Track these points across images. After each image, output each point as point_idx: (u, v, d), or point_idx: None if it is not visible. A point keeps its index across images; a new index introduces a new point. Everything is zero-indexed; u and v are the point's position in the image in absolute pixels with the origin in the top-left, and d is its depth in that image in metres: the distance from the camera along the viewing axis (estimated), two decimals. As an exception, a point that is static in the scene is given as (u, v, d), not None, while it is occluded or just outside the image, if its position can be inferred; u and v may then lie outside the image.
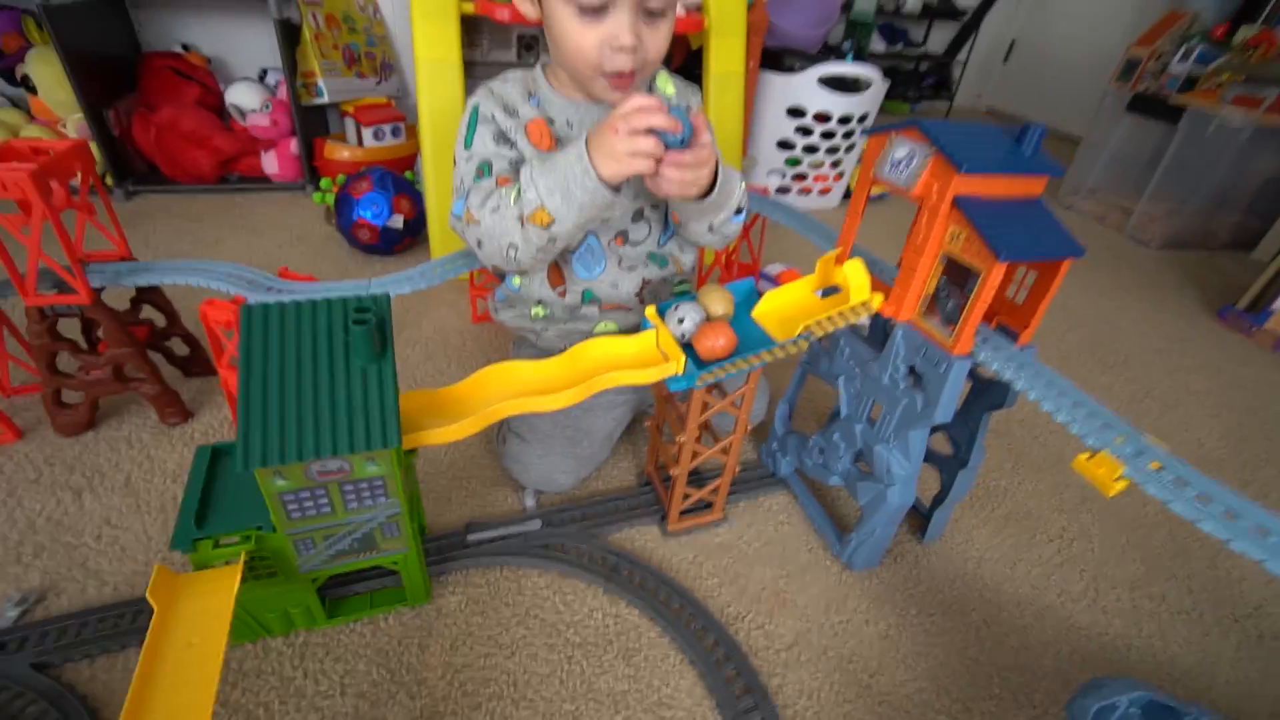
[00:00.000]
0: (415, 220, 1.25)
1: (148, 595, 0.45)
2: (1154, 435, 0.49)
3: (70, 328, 0.80)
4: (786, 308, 0.65)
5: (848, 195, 1.82)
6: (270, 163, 1.54)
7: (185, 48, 1.59)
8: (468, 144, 0.64)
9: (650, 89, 0.70)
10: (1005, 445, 0.94)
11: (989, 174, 0.53)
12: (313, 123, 1.58)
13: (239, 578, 0.48)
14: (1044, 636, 0.67)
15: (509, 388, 0.59)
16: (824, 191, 1.73)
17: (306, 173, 1.55)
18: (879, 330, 0.66)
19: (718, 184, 0.60)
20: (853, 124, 1.59)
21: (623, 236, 0.71)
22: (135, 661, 0.53)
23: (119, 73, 1.48)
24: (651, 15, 0.58)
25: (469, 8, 1.10)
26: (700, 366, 0.58)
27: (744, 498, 0.79)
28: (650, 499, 0.77)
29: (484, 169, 0.62)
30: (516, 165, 0.63)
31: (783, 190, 1.69)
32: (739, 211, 0.69)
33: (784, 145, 1.60)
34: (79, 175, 0.72)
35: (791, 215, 0.92)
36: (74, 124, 1.40)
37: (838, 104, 1.53)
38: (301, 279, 0.80)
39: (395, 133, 1.58)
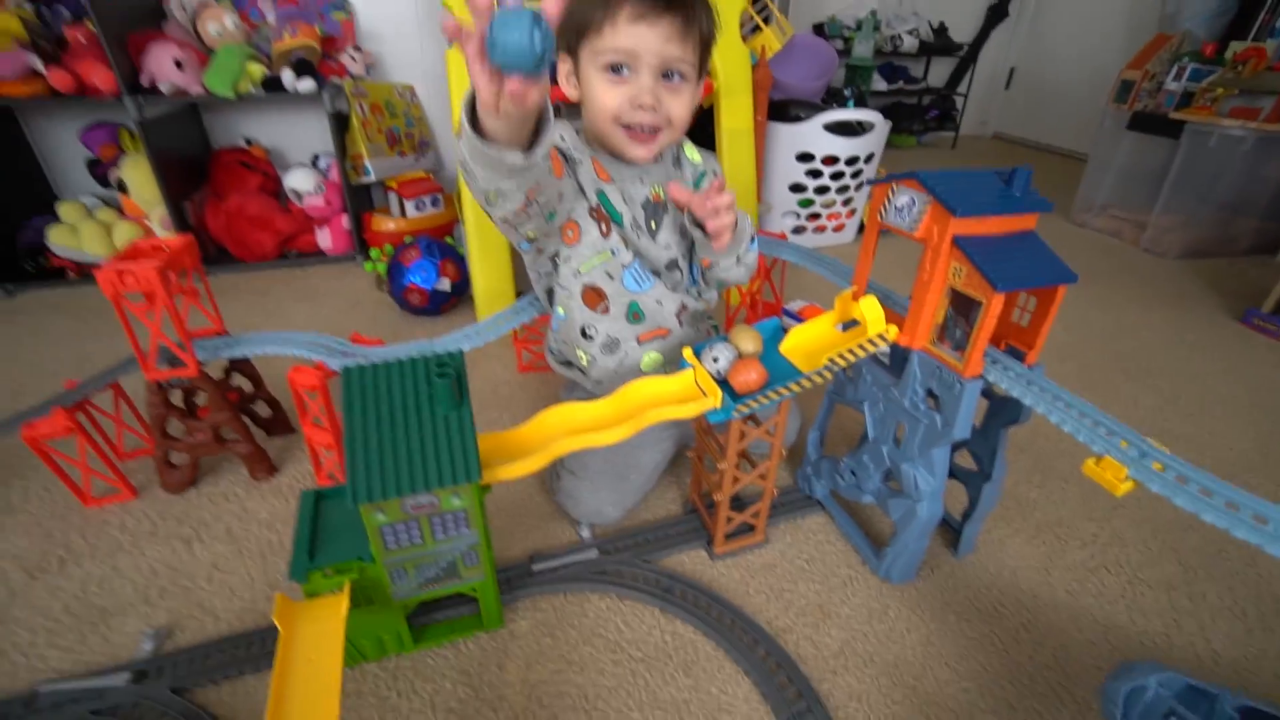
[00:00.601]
0: (460, 282, 1.37)
1: (274, 619, 0.52)
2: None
3: (174, 396, 0.91)
4: (810, 342, 0.72)
5: (861, 229, 1.90)
6: (324, 238, 1.69)
7: (248, 141, 1.77)
8: None
9: (678, 158, 0.80)
10: (1032, 458, 0.98)
11: (982, 216, 0.60)
12: (360, 199, 1.73)
13: (347, 603, 0.56)
14: (1083, 638, 0.70)
15: (567, 427, 0.67)
16: (838, 228, 1.82)
17: (357, 244, 1.69)
18: (897, 357, 0.72)
19: (737, 222, 0.71)
20: (860, 164, 1.68)
21: (658, 274, 0.79)
22: (255, 685, 0.62)
23: (194, 169, 1.66)
24: (671, 79, 0.68)
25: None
26: (736, 400, 0.65)
27: (783, 520, 0.85)
28: (696, 525, 0.83)
29: None
30: (563, 162, 0.68)
31: (798, 230, 1.78)
32: (752, 240, 0.79)
33: (796, 188, 1.69)
34: (188, 267, 0.84)
35: (808, 257, 1.00)
36: (158, 217, 1.57)
37: (844, 147, 1.63)
38: (371, 343, 0.90)
39: (434, 203, 1.73)
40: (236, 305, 1.47)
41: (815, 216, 1.76)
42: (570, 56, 0.70)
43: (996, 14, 3.42)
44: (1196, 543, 0.83)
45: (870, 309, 0.67)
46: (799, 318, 1.28)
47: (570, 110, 0.79)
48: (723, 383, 0.67)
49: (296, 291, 1.54)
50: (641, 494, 0.84)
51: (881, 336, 0.67)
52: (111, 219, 1.59)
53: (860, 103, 1.73)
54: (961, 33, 3.34)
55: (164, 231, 1.58)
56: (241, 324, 1.38)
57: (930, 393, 0.68)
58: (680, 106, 0.70)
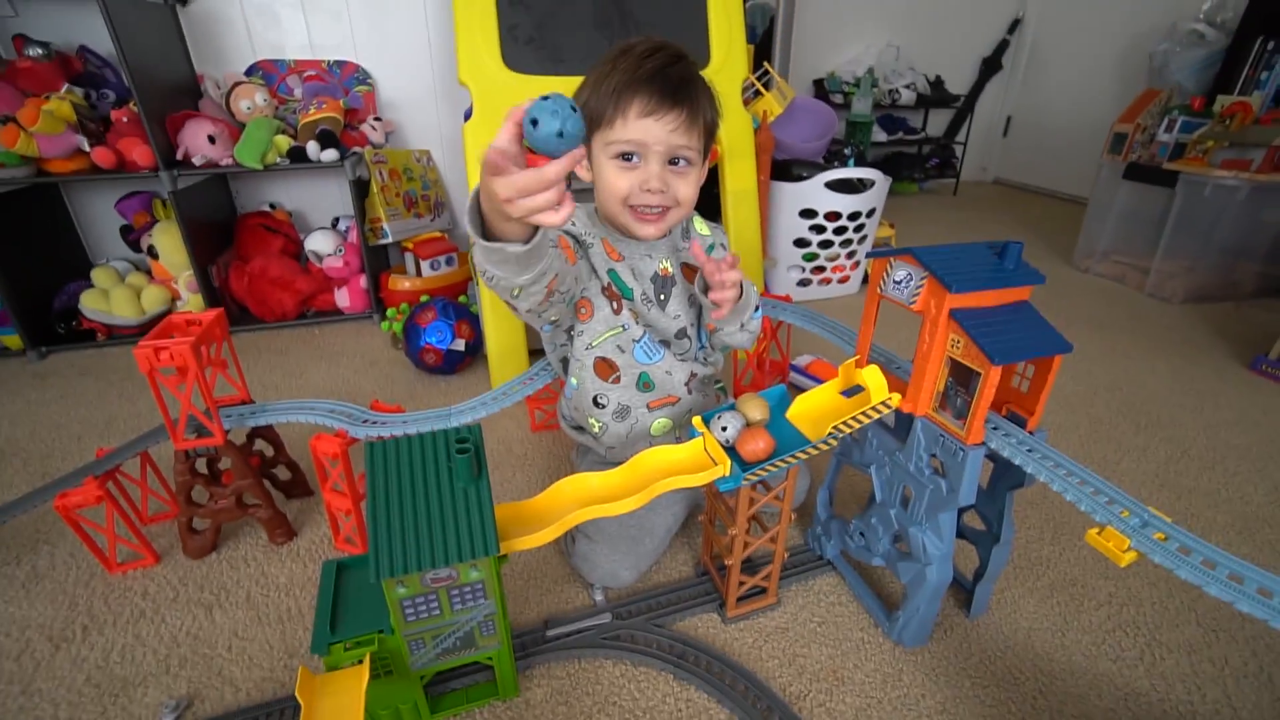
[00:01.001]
0: (474, 341, 1.41)
1: (296, 693, 0.54)
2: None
3: (199, 463, 0.94)
4: (816, 409, 0.74)
5: (865, 280, 1.94)
6: (342, 297, 1.75)
7: (272, 206, 1.85)
8: None
9: (686, 231, 0.85)
10: (1043, 514, 0.98)
11: (977, 290, 0.63)
12: (377, 259, 1.80)
13: (367, 675, 0.57)
14: (1103, 705, 0.69)
15: (581, 497, 0.68)
16: (843, 280, 1.86)
17: (374, 303, 1.75)
18: (902, 422, 0.74)
19: (743, 289, 0.74)
20: (862, 217, 1.73)
21: (667, 344, 0.83)
22: (276, 758, 0.62)
23: (220, 233, 1.74)
24: (678, 164, 0.73)
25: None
26: (745, 468, 0.67)
27: (795, 581, 0.85)
28: (708, 588, 0.83)
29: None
30: (575, 248, 0.75)
31: (804, 282, 1.82)
32: (756, 309, 0.82)
33: (800, 243, 1.74)
34: (217, 339, 0.88)
35: (812, 320, 1.03)
36: (185, 280, 1.64)
37: (845, 203, 1.68)
38: (390, 410, 0.93)
39: (449, 262, 1.79)
40: (259, 365, 1.51)
41: (820, 269, 1.80)
42: (584, 143, 0.75)
43: (990, 67, 3.55)
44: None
45: (873, 377, 0.69)
46: (806, 372, 1.31)
47: (581, 195, 0.84)
48: (731, 450, 0.69)
49: (315, 351, 1.59)
50: (655, 557, 0.85)
51: (885, 404, 0.70)
52: (141, 283, 1.66)
53: (860, 160, 1.79)
54: (957, 84, 3.46)
55: (189, 294, 1.64)
56: (262, 384, 1.42)
57: (935, 458, 0.69)
58: (687, 188, 0.74)
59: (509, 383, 0.92)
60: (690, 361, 0.84)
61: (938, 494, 0.68)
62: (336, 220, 1.88)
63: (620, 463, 0.71)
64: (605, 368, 0.80)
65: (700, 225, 0.86)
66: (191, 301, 1.65)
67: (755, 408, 0.72)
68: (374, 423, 0.87)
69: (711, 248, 0.85)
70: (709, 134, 0.74)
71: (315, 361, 1.53)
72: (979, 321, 0.62)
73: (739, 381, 1.23)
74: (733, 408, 0.72)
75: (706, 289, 0.73)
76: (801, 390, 1.30)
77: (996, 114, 3.71)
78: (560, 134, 0.44)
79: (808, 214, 1.69)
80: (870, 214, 1.74)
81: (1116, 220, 2.07)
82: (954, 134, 3.57)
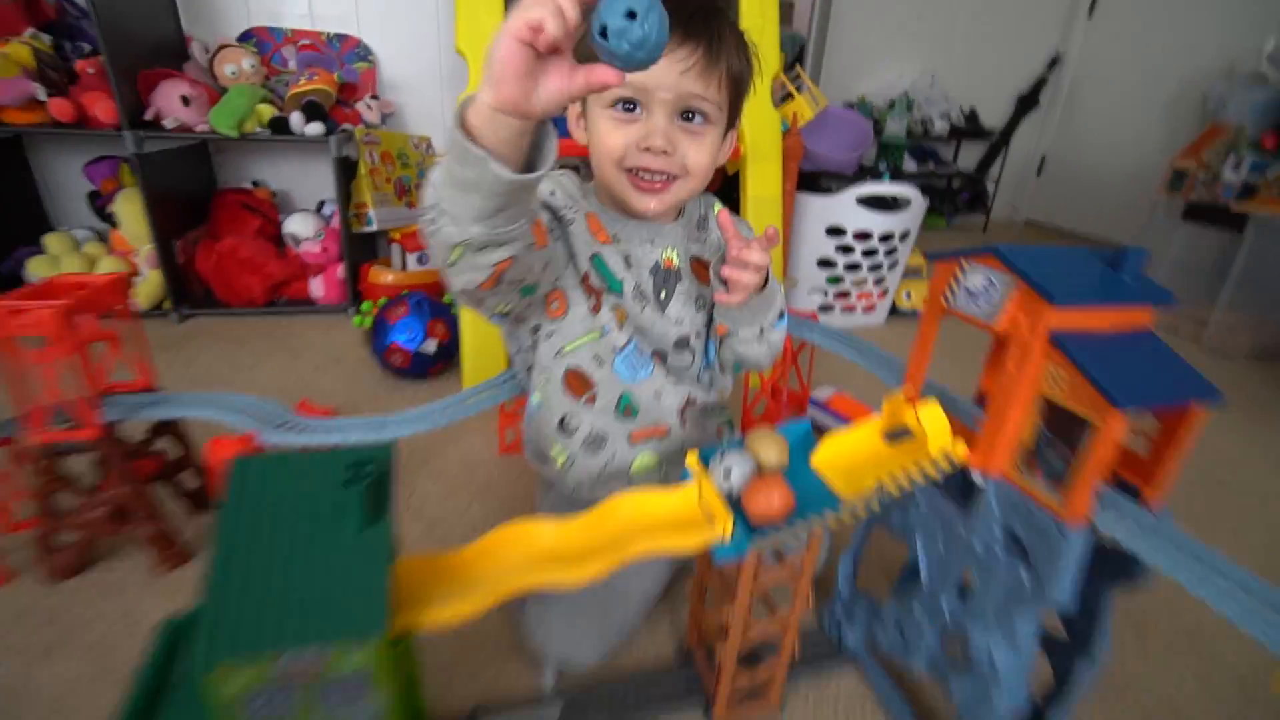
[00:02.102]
0: (449, 344, 1.24)
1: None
2: None
3: (70, 464, 0.77)
4: (850, 455, 0.56)
5: (894, 312, 1.76)
6: (317, 287, 1.59)
7: (255, 184, 1.71)
8: None
9: (704, 219, 0.67)
10: (1125, 613, 0.78)
11: (1088, 306, 0.45)
12: (362, 250, 1.65)
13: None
14: None
15: (526, 553, 0.50)
16: (868, 309, 1.68)
17: (350, 296, 1.59)
18: (965, 481, 0.56)
19: (768, 280, 0.58)
20: (894, 241, 1.56)
21: (660, 357, 0.65)
22: None
23: (194, 207, 1.59)
24: (690, 120, 0.56)
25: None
26: (752, 531, 0.48)
27: (804, 678, 0.66)
28: (691, 680, 0.64)
29: None
30: (550, 227, 0.58)
31: (825, 308, 1.64)
32: (781, 315, 0.64)
33: (825, 264, 1.57)
34: (114, 309, 0.71)
35: (843, 342, 0.85)
36: (145, 254, 1.49)
37: (877, 222, 1.51)
38: (320, 413, 0.76)
39: (439, 256, 1.63)
40: (208, 353, 1.35)
41: (844, 295, 1.63)
42: None
43: (1026, 103, 3.40)
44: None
45: (932, 419, 0.51)
46: (827, 408, 1.12)
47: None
48: (736, 504, 0.51)
49: (276, 343, 1.42)
50: (626, 631, 0.66)
51: (945, 454, 0.52)
52: (99, 253, 1.51)
53: (896, 177, 1.63)
54: (992, 118, 3.31)
55: (149, 270, 1.49)
56: (207, 373, 1.26)
57: (1014, 536, 0.50)
58: (700, 152, 0.57)
59: (468, 391, 0.75)
60: (689, 383, 0.66)
61: (1017, 587, 0.49)
62: (322, 204, 1.73)
63: (589, 505, 0.53)
64: (577, 383, 0.62)
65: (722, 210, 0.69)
66: (150, 278, 1.50)
67: (771, 448, 0.54)
68: (293, 427, 0.70)
69: None
70: (735, 89, 0.57)
71: (273, 355, 1.36)
72: (1092, 350, 0.44)
73: (749, 413, 1.04)
74: (740, 446, 0.54)
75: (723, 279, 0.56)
76: (824, 430, 1.11)
77: (1031, 152, 3.56)
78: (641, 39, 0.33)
79: (835, 231, 1.52)
80: (904, 236, 1.57)
81: (1171, 265, 1.89)
82: (986, 169, 3.41)
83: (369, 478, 0.43)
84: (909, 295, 1.75)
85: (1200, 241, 1.77)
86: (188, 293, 1.54)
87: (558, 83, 0.36)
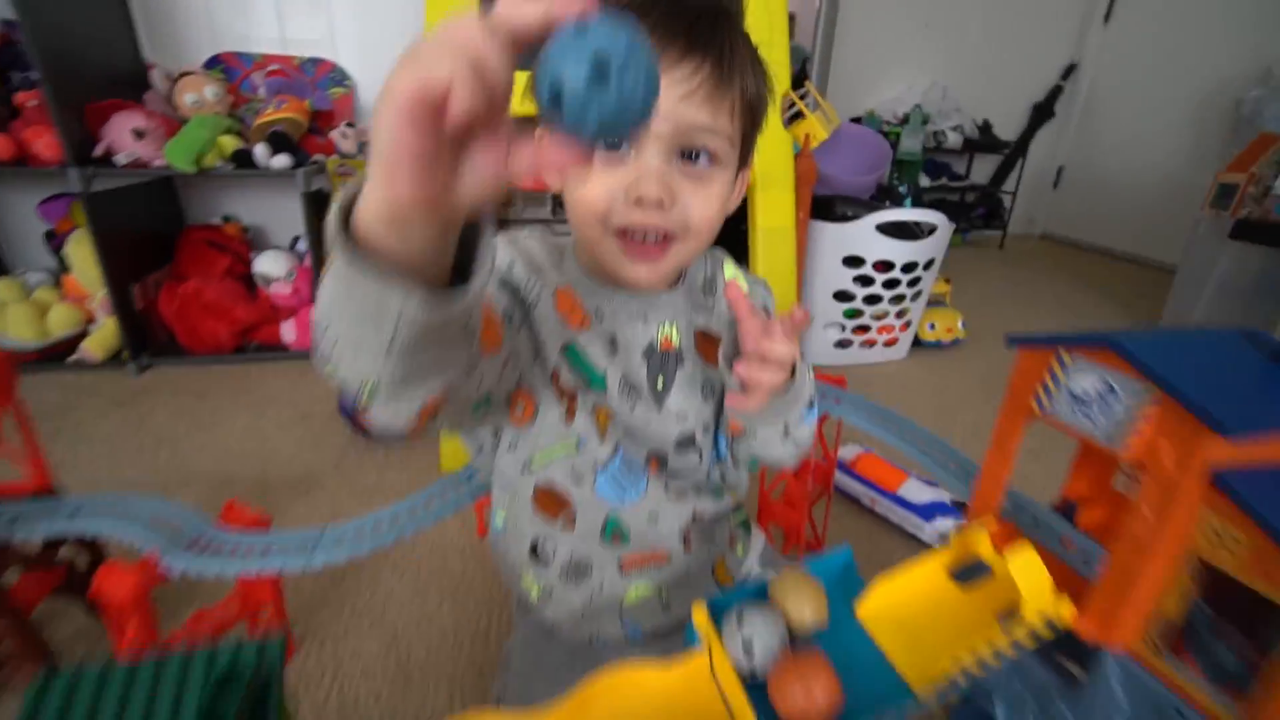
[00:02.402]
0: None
1: None
2: None
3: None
4: (908, 603, 0.42)
5: (916, 344, 1.62)
6: (289, 331, 1.47)
7: (226, 219, 1.60)
8: None
9: (711, 281, 0.54)
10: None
11: (1267, 435, 0.31)
12: (340, 287, 1.52)
13: None
14: None
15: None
16: (890, 343, 1.54)
17: (326, 339, 1.46)
18: (1070, 647, 0.42)
19: (795, 372, 0.43)
20: (918, 270, 1.42)
21: (659, 461, 0.51)
22: None
23: (157, 246, 1.48)
24: (694, 161, 0.41)
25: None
26: (786, 746, 0.34)
27: None
28: None
29: None
30: (512, 317, 0.45)
31: (843, 344, 1.50)
32: (810, 405, 0.49)
33: (842, 296, 1.43)
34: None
35: (881, 422, 0.70)
36: (100, 299, 1.37)
37: (899, 251, 1.38)
38: (249, 520, 0.62)
39: (422, 294, 1.51)
40: (165, 409, 1.23)
41: (864, 329, 1.49)
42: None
43: (1042, 113, 3.28)
44: None
45: (1028, 572, 0.37)
46: (852, 471, 0.98)
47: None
48: (760, 690, 0.37)
49: (241, 396, 1.30)
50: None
51: (1044, 617, 0.38)
52: (51, 299, 1.39)
53: (918, 201, 1.50)
54: (1006, 130, 3.18)
55: (105, 317, 1.37)
56: (157, 435, 1.13)
57: (1152, 743, 0.36)
58: (705, 204, 0.43)
59: (422, 493, 0.61)
60: (693, 495, 0.52)
61: (1162, 822, 0.35)
62: (296, 240, 1.62)
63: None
64: (551, 502, 0.49)
65: (734, 271, 0.56)
66: (106, 326, 1.38)
67: (805, 600, 0.40)
68: (205, 548, 0.56)
69: None
70: (750, 117, 0.44)
71: (235, 411, 1.23)
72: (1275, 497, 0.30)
73: (766, 497, 0.88)
74: (762, 601, 0.40)
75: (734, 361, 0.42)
76: (848, 498, 0.95)
77: (1047, 163, 3.43)
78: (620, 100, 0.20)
79: (853, 261, 1.39)
80: (928, 265, 1.44)
81: (1217, 287, 1.74)
82: (1001, 182, 3.28)
83: (233, 708, 0.30)
84: (933, 326, 1.61)
85: (1250, 262, 1.62)
86: (149, 340, 1.42)
87: (489, 164, 0.23)
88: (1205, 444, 0.31)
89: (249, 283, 1.52)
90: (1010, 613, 0.40)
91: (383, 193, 0.22)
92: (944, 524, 0.85)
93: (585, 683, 0.39)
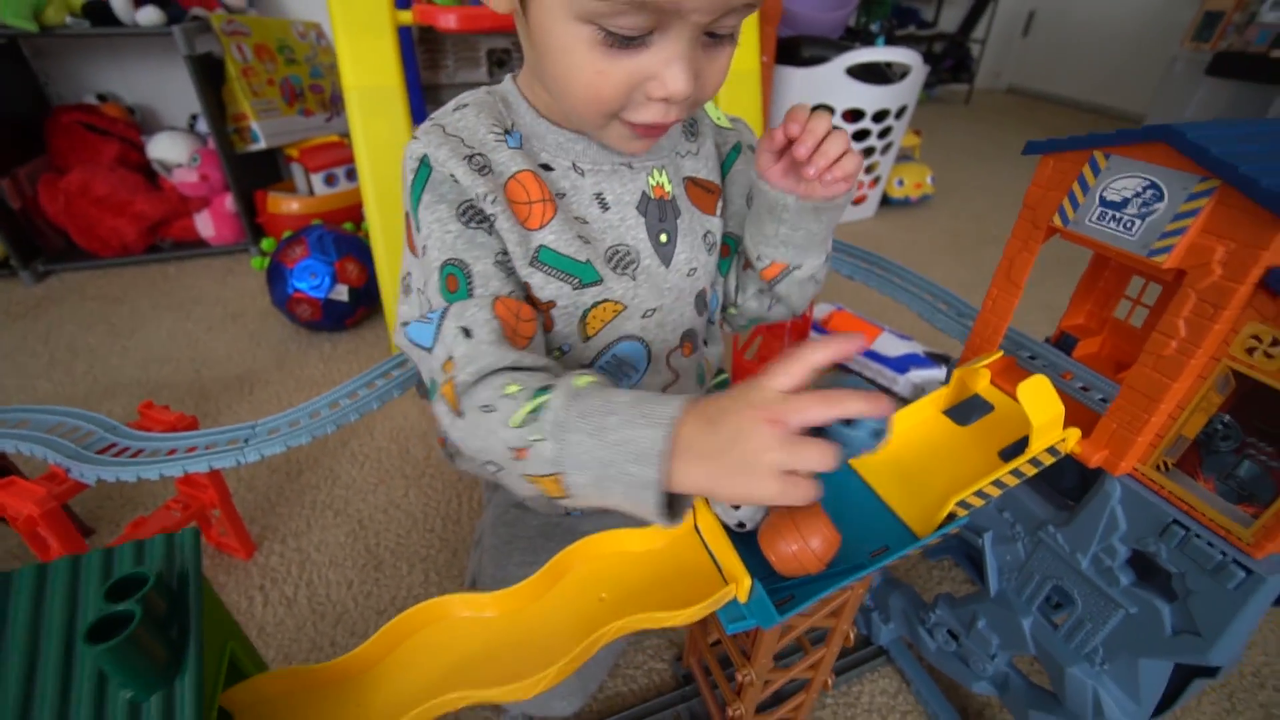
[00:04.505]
0: (367, 287, 1.01)
1: None
2: None
3: None
4: (904, 445, 0.40)
5: (885, 202, 1.56)
6: (205, 224, 1.32)
7: (102, 98, 1.37)
8: (418, 222, 0.38)
9: (694, 125, 0.45)
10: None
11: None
12: (255, 173, 1.35)
13: None
14: None
15: (451, 650, 0.34)
16: (858, 200, 1.47)
17: (249, 232, 1.31)
18: (1067, 474, 0.40)
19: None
20: (889, 119, 1.33)
21: (691, 343, 0.46)
22: None
23: (19, 134, 1.26)
24: (715, 40, 0.33)
25: (407, 17, 0.87)
26: (778, 587, 0.32)
27: (835, 685, 0.54)
28: (696, 708, 0.51)
29: (457, 275, 0.36)
30: (507, 264, 0.38)
31: (810, 204, 1.43)
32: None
33: (809, 152, 1.34)
34: None
35: (878, 271, 0.65)
36: (-34, 199, 1.18)
37: (871, 97, 1.27)
38: (169, 422, 0.56)
39: (351, 175, 1.35)
40: (74, 318, 1.10)
41: (832, 188, 1.41)
42: None
43: (1016, -52, 3.02)
44: None
45: (1040, 400, 0.34)
46: (826, 330, 0.96)
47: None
48: (750, 541, 0.34)
49: (162, 299, 1.17)
50: (608, 666, 0.52)
51: (1053, 450, 0.36)
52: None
53: (890, 40, 1.37)
54: (978, -31, 2.94)
55: (-21, 219, 1.19)
56: (72, 345, 1.02)
57: (1145, 560, 0.36)
58: (717, 78, 0.35)
59: (364, 376, 0.55)
60: (692, 372, 0.48)
61: (1148, 628, 0.35)
62: (195, 120, 1.40)
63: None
64: None
65: (713, 110, 0.48)
66: (-17, 230, 1.20)
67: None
68: (120, 451, 0.50)
69: (737, 150, 0.47)
70: None
71: (156, 313, 1.12)
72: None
73: (739, 357, 0.85)
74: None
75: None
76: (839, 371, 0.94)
77: (1018, 8, 3.21)
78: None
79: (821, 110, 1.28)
80: (900, 113, 1.34)
81: (1184, 129, 1.71)
82: (970, 30, 3.08)
83: (134, 620, 0.25)
84: (901, 183, 1.54)
85: (1223, 100, 1.57)
86: (41, 244, 1.26)
87: None
88: (1273, 239, 0.27)
89: (147, 172, 1.33)
90: (1013, 446, 0.38)
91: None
92: (918, 376, 0.84)
93: (565, 551, 0.36)
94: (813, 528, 0.32)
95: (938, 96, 3.12)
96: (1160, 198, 0.30)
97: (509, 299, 0.36)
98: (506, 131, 0.39)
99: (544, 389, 0.31)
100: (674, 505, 0.29)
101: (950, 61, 2.97)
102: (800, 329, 0.79)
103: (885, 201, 1.56)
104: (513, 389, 0.32)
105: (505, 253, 0.37)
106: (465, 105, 0.40)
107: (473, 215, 0.37)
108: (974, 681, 0.47)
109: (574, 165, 0.40)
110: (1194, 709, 0.53)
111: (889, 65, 1.29)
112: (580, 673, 0.48)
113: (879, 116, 1.31)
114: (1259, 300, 0.28)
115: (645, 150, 0.39)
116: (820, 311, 0.99)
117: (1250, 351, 0.29)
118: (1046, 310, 1.06)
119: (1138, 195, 0.31)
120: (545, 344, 0.42)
